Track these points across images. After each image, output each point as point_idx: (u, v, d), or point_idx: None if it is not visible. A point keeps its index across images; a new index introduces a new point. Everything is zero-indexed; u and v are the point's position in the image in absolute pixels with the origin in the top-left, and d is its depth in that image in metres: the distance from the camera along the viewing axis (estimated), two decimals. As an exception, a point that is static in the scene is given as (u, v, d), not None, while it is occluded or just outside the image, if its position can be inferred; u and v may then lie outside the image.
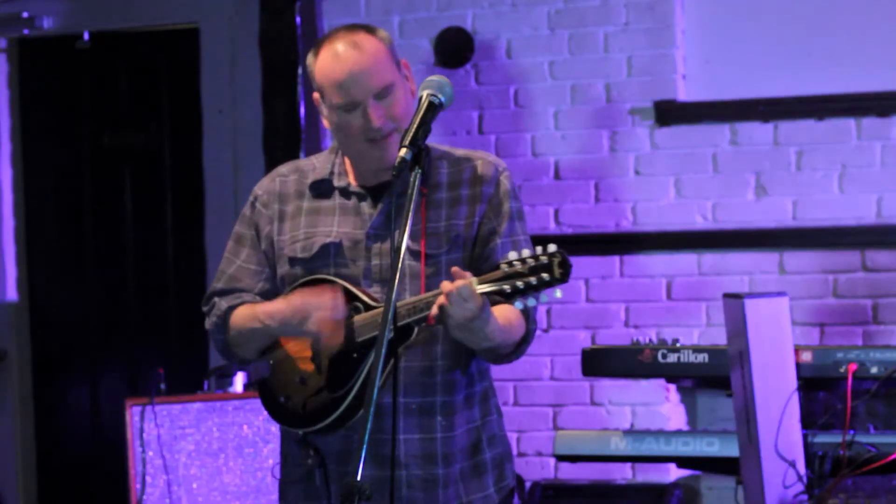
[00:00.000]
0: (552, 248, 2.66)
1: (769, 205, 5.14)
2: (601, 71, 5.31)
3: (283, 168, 3.15)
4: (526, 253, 2.68)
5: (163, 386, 4.97)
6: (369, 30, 3.03)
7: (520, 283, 2.66)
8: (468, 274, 2.73)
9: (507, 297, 2.69)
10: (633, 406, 5.32)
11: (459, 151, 3.10)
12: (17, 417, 6.20)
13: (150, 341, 6.11)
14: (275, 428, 4.96)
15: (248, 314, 3.04)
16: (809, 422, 4.12)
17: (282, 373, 3.02)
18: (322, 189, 3.08)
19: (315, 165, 3.13)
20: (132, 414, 4.90)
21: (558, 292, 2.67)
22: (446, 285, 2.71)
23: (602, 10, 5.31)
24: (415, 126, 2.73)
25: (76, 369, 6.26)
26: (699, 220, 5.21)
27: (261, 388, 3.09)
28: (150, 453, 4.91)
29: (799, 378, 4.08)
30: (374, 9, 5.58)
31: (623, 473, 5.26)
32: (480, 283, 2.70)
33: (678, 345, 4.22)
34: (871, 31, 5.02)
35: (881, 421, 4.18)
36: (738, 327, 3.71)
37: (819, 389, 4.19)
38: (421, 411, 2.97)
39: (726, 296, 3.63)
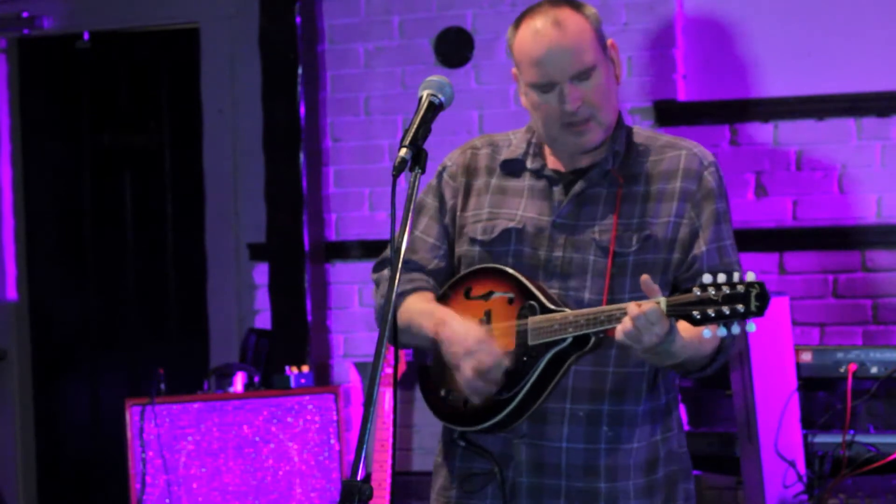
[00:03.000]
0: (751, 276, 2.52)
1: (769, 205, 5.13)
2: (601, 71, 5.30)
3: (477, 141, 3.00)
4: (722, 278, 2.52)
5: (163, 386, 4.97)
6: (575, 6, 2.90)
7: (710, 311, 2.51)
8: (657, 289, 2.58)
9: (695, 324, 2.54)
10: (633, 406, 5.31)
11: (663, 139, 2.92)
12: (17, 417, 6.20)
13: (150, 341, 6.10)
14: (274, 427, 4.97)
15: (422, 311, 2.86)
16: (809, 422, 4.12)
17: (445, 365, 2.83)
18: (513, 168, 2.92)
19: (511, 141, 2.96)
20: (132, 414, 4.90)
21: (752, 325, 2.51)
22: (633, 309, 2.57)
23: (602, 10, 5.24)
24: (414, 126, 2.60)
25: (76, 369, 6.26)
26: (699, 220, 5.21)
27: (420, 374, 2.93)
28: (150, 453, 4.92)
29: (799, 378, 4.09)
30: (374, 9, 5.57)
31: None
32: (669, 305, 2.56)
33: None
34: (871, 31, 5.01)
35: (881, 421, 4.17)
36: (738, 327, 3.71)
37: (819, 389, 4.19)
38: (588, 420, 2.79)
39: (726, 296, 3.61)
